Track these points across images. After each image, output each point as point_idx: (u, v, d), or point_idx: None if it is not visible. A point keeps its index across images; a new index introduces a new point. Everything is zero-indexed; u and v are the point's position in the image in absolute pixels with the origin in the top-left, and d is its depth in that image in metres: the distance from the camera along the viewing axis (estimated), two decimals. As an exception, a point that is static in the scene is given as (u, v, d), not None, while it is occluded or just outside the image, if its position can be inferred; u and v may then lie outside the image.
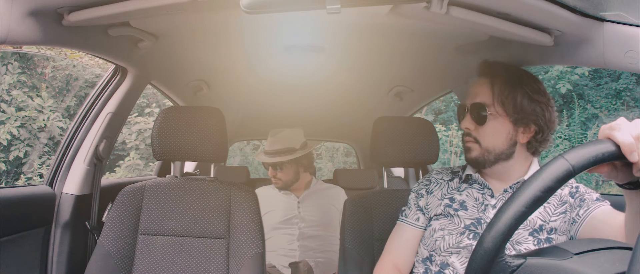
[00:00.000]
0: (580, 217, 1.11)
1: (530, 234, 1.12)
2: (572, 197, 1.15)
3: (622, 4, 1.03)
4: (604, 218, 1.07)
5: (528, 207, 0.60)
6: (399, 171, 3.46)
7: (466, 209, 1.19)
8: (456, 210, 1.20)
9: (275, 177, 2.22)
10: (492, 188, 1.19)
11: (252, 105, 2.84)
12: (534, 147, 1.17)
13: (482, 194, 1.20)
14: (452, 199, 1.22)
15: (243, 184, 1.60)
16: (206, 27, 1.50)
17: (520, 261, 0.62)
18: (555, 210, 1.14)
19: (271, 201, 2.21)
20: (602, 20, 1.08)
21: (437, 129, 3.55)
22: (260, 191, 2.28)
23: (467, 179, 1.24)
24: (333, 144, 9.20)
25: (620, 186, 0.76)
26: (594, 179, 8.48)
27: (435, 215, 1.23)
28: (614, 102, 9.38)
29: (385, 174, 1.91)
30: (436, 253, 1.18)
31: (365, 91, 2.50)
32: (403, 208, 1.33)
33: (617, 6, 1.04)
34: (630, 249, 0.65)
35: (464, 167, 1.28)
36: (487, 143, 1.16)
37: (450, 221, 1.19)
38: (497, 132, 1.15)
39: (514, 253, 1.10)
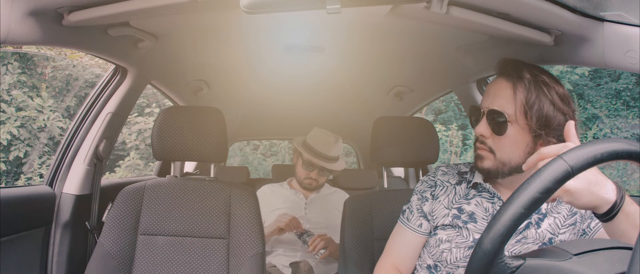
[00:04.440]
0: (591, 229, 1.07)
1: (539, 247, 1.07)
2: None
3: (622, 4, 1.03)
4: None
5: (527, 208, 0.60)
6: (399, 171, 3.45)
7: (475, 222, 1.12)
8: (465, 222, 1.12)
9: (312, 178, 2.18)
10: (503, 198, 1.12)
11: (252, 105, 2.85)
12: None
13: (492, 203, 1.13)
14: (460, 210, 1.14)
15: (243, 184, 1.60)
16: (206, 27, 1.50)
17: (520, 262, 0.62)
18: (564, 222, 1.09)
19: (278, 199, 2.20)
20: (602, 20, 1.08)
21: (437, 129, 3.55)
22: (268, 188, 2.28)
23: (476, 186, 1.16)
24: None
25: (598, 216, 0.80)
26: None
27: (442, 225, 1.16)
28: (614, 102, 9.38)
29: (385, 174, 1.91)
30: (442, 265, 1.13)
31: (365, 91, 2.50)
32: (404, 208, 1.27)
33: (617, 6, 1.04)
34: (630, 249, 0.66)
35: (471, 169, 1.21)
36: (503, 155, 1.05)
37: (458, 233, 1.12)
38: (515, 144, 1.04)
39: None
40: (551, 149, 0.79)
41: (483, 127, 1.07)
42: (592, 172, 0.79)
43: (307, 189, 2.23)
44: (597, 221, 1.06)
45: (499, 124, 1.04)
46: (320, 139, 2.19)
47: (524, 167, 0.83)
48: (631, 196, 0.85)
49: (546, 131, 1.01)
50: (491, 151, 1.07)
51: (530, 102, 1.01)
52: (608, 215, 0.78)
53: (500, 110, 1.04)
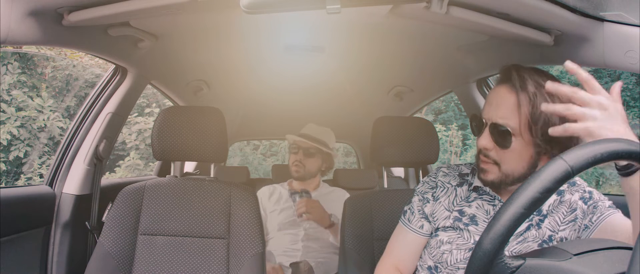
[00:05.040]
0: (592, 223, 1.06)
1: (539, 245, 1.07)
2: (585, 203, 1.09)
3: (622, 4, 1.03)
4: (616, 227, 1.03)
5: (527, 208, 0.60)
6: (399, 171, 3.46)
7: (476, 224, 1.12)
8: (466, 224, 1.12)
9: (299, 162, 2.18)
10: (503, 201, 1.10)
11: (252, 105, 2.85)
12: None
13: (493, 206, 1.12)
14: (461, 212, 1.14)
15: (243, 184, 1.60)
16: (206, 27, 1.50)
17: (520, 262, 0.62)
18: (564, 219, 1.09)
19: (278, 199, 2.21)
20: (602, 20, 1.08)
21: (437, 129, 3.55)
22: (268, 189, 2.28)
23: (477, 189, 1.15)
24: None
25: (619, 170, 0.79)
26: (594, 179, 8.48)
27: (443, 227, 1.16)
28: (614, 102, 9.38)
29: (385, 174, 1.91)
30: (442, 266, 1.13)
31: (365, 91, 2.50)
32: (405, 209, 1.27)
33: (617, 6, 1.04)
34: (630, 249, 0.66)
35: (472, 171, 1.21)
36: (508, 168, 1.03)
37: (459, 235, 1.12)
38: (520, 157, 1.02)
39: None
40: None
41: (486, 140, 1.04)
42: (623, 125, 0.82)
43: (295, 177, 2.24)
44: (599, 215, 1.06)
45: (503, 137, 1.02)
46: (309, 126, 2.24)
47: (551, 132, 0.87)
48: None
49: (551, 144, 0.99)
50: (496, 163, 1.05)
51: (535, 117, 0.98)
52: (628, 168, 0.78)
53: (504, 123, 1.01)
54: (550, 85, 0.86)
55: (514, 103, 1.00)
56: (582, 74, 0.85)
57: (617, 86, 0.86)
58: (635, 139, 0.77)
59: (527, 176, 1.03)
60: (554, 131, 0.87)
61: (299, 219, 1.96)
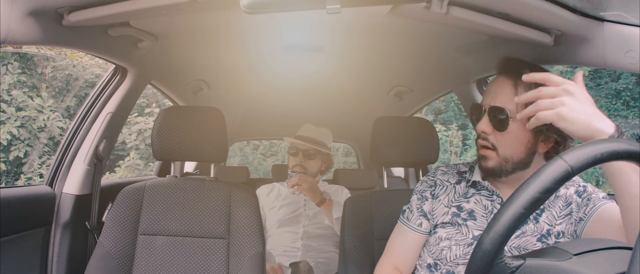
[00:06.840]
0: (586, 215, 1.08)
1: (538, 239, 1.08)
2: (580, 196, 1.11)
3: (622, 4, 1.03)
4: (610, 216, 1.04)
5: (526, 208, 0.60)
6: (399, 171, 3.46)
7: (475, 219, 1.13)
8: (464, 220, 1.14)
9: (300, 165, 2.16)
10: (502, 196, 1.14)
11: (252, 105, 2.85)
12: (552, 158, 1.08)
13: (492, 201, 1.14)
14: (460, 208, 1.16)
15: (243, 184, 1.60)
16: (206, 27, 1.50)
17: (520, 262, 0.62)
18: (560, 213, 1.10)
19: (277, 197, 2.21)
20: (602, 20, 1.08)
21: (437, 129, 3.56)
22: (267, 187, 2.28)
23: (475, 184, 1.17)
24: (333, 144, 9.21)
25: None
26: (594, 179, 8.48)
27: (442, 223, 1.17)
28: (614, 102, 9.40)
29: (385, 174, 1.91)
30: (442, 263, 1.14)
31: (365, 91, 2.50)
32: (404, 208, 1.28)
33: (617, 6, 1.04)
34: (630, 249, 0.66)
35: (470, 168, 1.23)
36: (506, 151, 1.07)
37: (457, 231, 1.14)
38: (517, 140, 1.05)
39: None
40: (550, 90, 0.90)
41: (485, 124, 1.08)
42: (592, 107, 0.88)
43: None
44: (592, 206, 1.07)
45: (500, 121, 1.05)
46: (306, 127, 2.24)
47: (518, 116, 0.96)
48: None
49: (547, 127, 1.01)
50: (493, 147, 1.08)
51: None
52: None
53: (502, 106, 1.05)
54: (525, 77, 0.94)
55: (512, 89, 1.05)
56: (538, 75, 0.93)
57: (580, 75, 0.93)
58: (607, 121, 0.85)
59: (525, 162, 1.07)
60: (529, 125, 0.96)
61: (291, 190, 1.97)
